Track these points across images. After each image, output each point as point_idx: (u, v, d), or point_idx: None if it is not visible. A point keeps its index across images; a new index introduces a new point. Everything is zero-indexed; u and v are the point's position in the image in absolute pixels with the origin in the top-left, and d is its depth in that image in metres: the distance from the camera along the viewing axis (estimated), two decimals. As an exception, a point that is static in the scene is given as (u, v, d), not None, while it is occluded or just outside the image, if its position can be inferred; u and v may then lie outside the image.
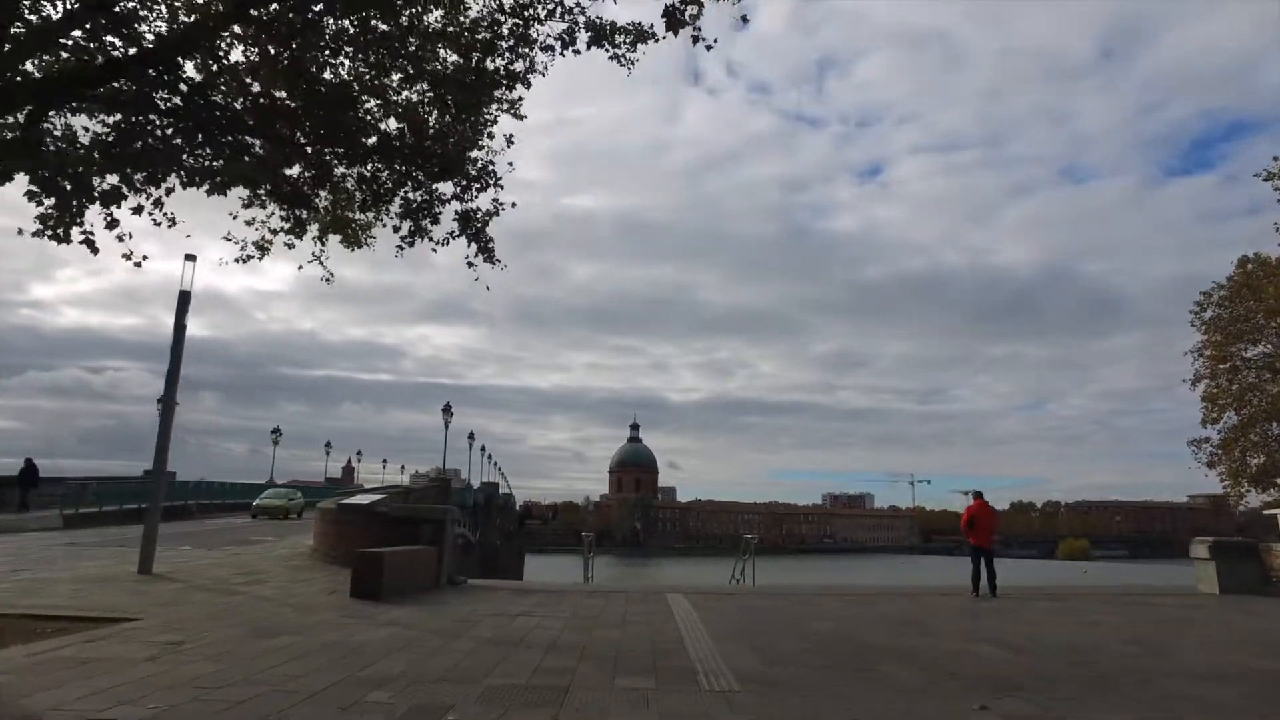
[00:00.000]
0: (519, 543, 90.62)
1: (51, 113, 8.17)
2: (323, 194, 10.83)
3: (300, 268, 11.47)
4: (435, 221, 10.90)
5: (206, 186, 9.63)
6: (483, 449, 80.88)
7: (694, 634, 8.88)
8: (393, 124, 10.09)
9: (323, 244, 11.25)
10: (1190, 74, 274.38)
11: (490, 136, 10.51)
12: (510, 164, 11.02)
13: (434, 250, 11.29)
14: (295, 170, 10.11)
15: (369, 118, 9.88)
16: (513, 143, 10.71)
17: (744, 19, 9.22)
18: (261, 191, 10.29)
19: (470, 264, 11.11)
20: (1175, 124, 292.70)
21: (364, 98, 9.70)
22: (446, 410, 40.90)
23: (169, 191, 9.16)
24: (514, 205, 10.73)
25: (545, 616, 10.00)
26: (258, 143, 9.57)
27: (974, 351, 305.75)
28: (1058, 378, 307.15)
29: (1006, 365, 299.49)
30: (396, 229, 10.97)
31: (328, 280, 11.64)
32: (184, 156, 8.90)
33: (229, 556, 16.40)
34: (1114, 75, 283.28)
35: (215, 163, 9.17)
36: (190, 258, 13.63)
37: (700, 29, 8.83)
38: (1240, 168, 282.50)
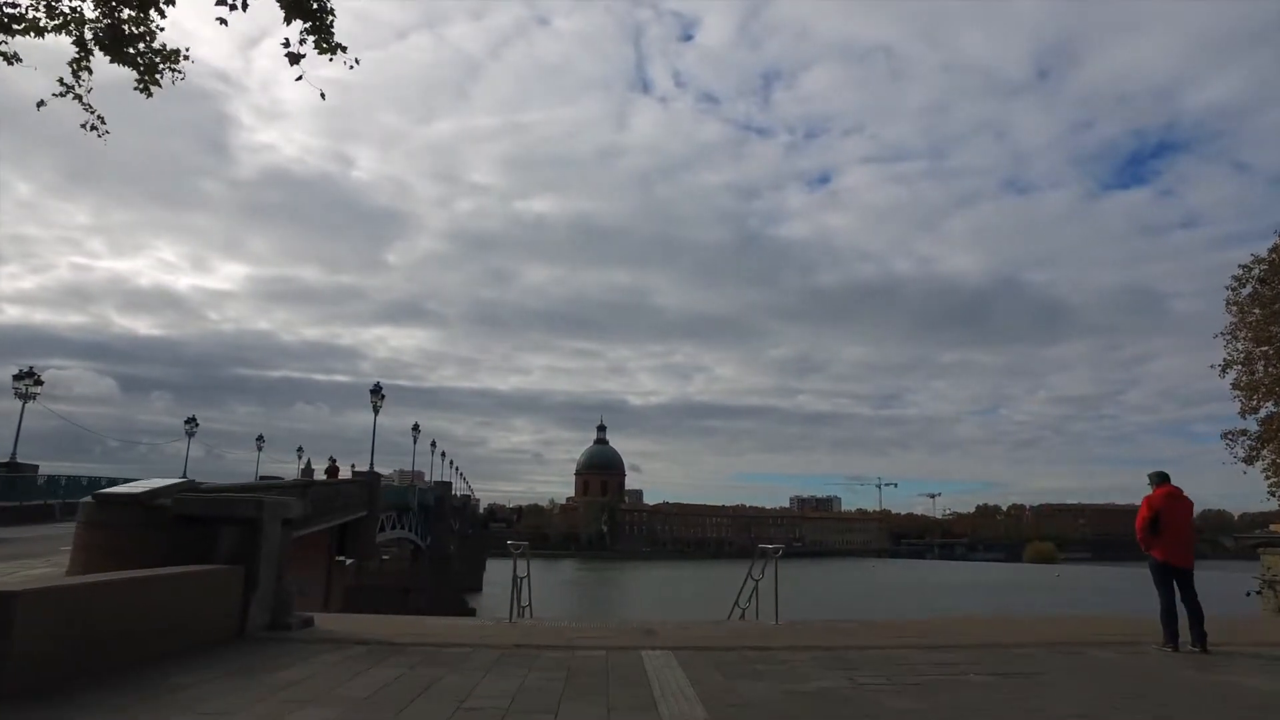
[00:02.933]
0: (481, 547, 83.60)
1: None
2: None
3: (41, 104, 6.51)
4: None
5: None
6: (433, 445, 73.83)
7: None
8: None
9: (81, 70, 6.41)
10: (1117, 95, 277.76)
11: None
12: None
13: (222, 20, 6.19)
14: None
15: None
16: None
17: None
18: None
19: (292, 55, 6.39)
20: (1107, 141, 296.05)
21: None
22: (375, 392, 34.10)
23: None
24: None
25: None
26: None
27: (928, 357, 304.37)
28: (1010, 383, 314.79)
29: (960, 371, 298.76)
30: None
31: (95, 129, 6.79)
32: None
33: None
34: (1049, 93, 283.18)
35: None
36: None
37: None
38: (1171, 183, 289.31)
